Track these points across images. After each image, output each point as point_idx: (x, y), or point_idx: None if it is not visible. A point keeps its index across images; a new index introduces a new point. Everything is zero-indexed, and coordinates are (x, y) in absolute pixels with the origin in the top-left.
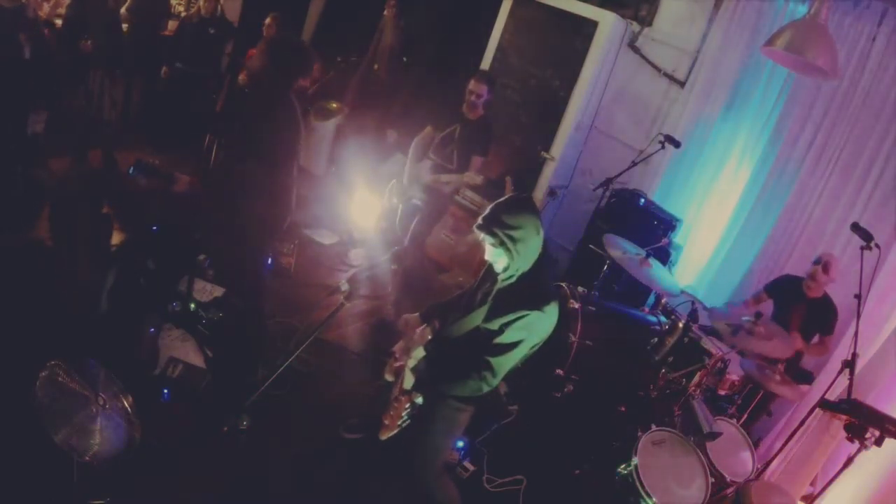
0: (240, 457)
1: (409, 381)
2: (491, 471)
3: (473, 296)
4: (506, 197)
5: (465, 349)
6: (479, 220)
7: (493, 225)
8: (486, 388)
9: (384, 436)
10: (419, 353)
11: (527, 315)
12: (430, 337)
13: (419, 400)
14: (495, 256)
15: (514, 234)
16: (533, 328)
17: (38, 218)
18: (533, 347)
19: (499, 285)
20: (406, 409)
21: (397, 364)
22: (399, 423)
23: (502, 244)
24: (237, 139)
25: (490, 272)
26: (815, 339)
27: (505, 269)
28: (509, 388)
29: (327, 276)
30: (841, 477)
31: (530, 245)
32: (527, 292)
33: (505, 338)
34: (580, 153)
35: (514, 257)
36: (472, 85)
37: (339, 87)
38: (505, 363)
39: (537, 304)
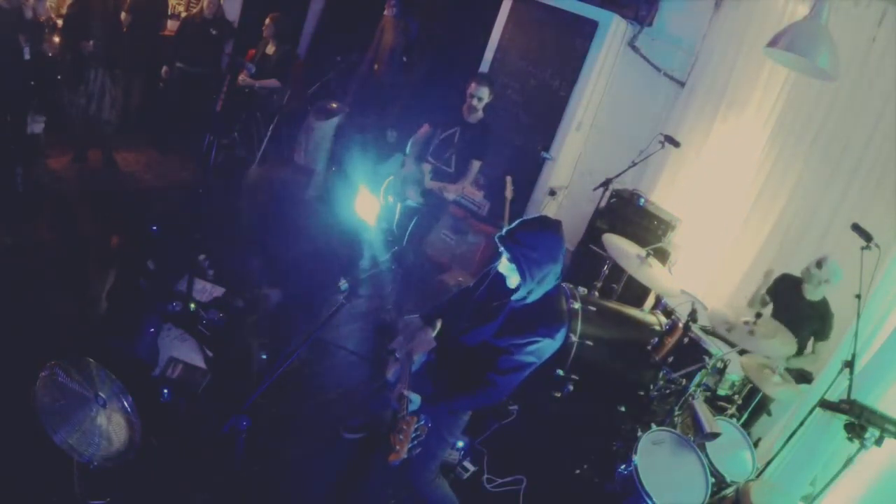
0: (240, 457)
1: (416, 399)
2: (491, 471)
3: (483, 307)
4: (536, 216)
5: (471, 362)
6: (503, 232)
7: (512, 240)
8: (488, 404)
9: (395, 459)
10: (420, 358)
11: (539, 341)
12: (433, 343)
13: (424, 421)
14: (509, 271)
15: (531, 254)
16: (542, 354)
17: (38, 218)
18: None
19: (512, 304)
20: (414, 431)
21: (397, 366)
22: (410, 446)
23: (516, 261)
24: None
25: (501, 284)
26: (809, 346)
27: (517, 289)
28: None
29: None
30: (841, 477)
31: (545, 269)
32: (541, 317)
33: (512, 359)
34: (580, 153)
35: (526, 278)
36: (472, 88)
37: (339, 87)
38: (509, 383)
39: (550, 332)
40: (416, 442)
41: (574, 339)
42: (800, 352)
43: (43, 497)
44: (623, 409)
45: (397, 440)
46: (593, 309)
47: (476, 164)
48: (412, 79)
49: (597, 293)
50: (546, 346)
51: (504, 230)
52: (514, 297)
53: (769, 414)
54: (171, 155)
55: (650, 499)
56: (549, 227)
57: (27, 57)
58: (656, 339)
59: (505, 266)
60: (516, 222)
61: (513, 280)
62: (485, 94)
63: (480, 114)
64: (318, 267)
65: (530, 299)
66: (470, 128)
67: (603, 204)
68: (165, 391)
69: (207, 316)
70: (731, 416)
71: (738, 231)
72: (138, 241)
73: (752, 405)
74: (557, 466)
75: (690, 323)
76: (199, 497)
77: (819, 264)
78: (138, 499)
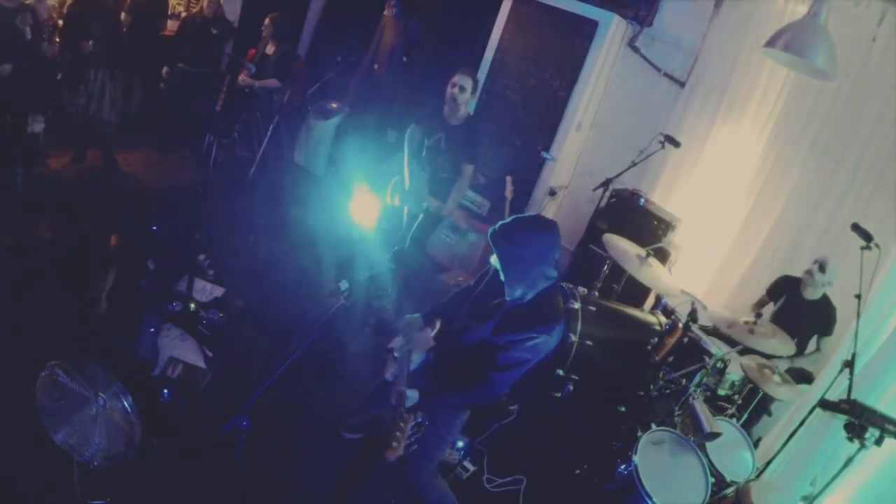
0: (240, 457)
1: (413, 396)
2: (491, 471)
3: (481, 305)
4: (531, 215)
5: (468, 361)
6: (496, 226)
7: (499, 237)
8: (485, 401)
9: (392, 455)
10: (419, 357)
11: (535, 338)
12: (432, 342)
13: (422, 418)
14: (498, 265)
15: (517, 251)
16: (538, 351)
17: (38, 218)
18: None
19: (509, 302)
20: (411, 428)
21: (396, 366)
22: (406, 443)
23: (501, 259)
24: None
25: (500, 282)
26: (812, 343)
27: (507, 287)
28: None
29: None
30: (841, 477)
31: (530, 268)
32: (538, 315)
33: (509, 356)
34: (580, 153)
35: (510, 275)
36: (455, 78)
37: (339, 87)
38: (506, 380)
39: (547, 330)
40: (412, 439)
41: (574, 339)
42: (800, 351)
43: (43, 497)
44: (623, 409)
45: (394, 437)
46: (593, 309)
47: (468, 169)
48: (412, 79)
49: (597, 293)
50: (542, 344)
51: (497, 225)
52: (507, 298)
53: (769, 414)
54: (171, 155)
55: (650, 499)
56: (541, 227)
57: (28, 37)
58: (656, 339)
59: (496, 260)
60: (510, 219)
61: (502, 274)
62: (468, 84)
63: (463, 112)
64: (318, 268)
65: (526, 298)
66: (453, 130)
67: (603, 204)
68: (165, 391)
69: (207, 316)
70: (731, 416)
71: (738, 231)
72: (138, 241)
73: (752, 405)
74: (557, 466)
75: (690, 323)
76: (199, 497)
77: (822, 268)
78: (138, 499)
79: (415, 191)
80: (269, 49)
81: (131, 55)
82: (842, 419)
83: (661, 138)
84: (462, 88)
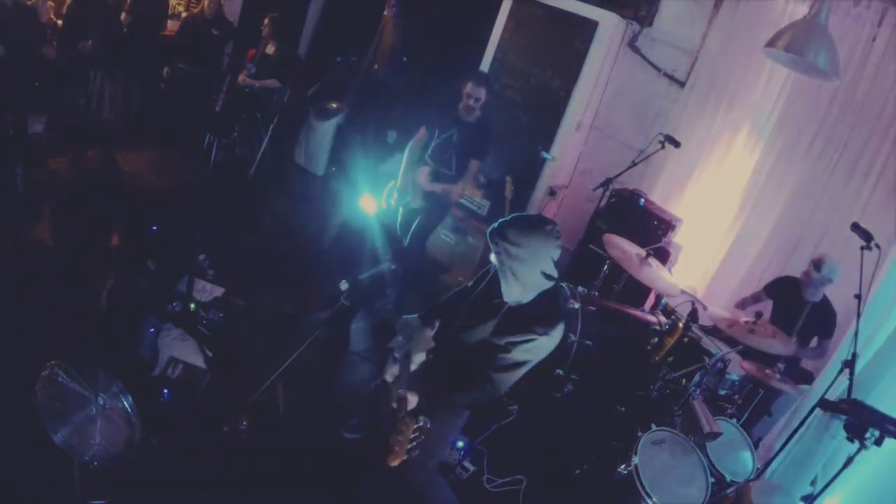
0: (240, 457)
1: (413, 399)
2: (491, 471)
3: (481, 305)
4: (531, 214)
5: (469, 361)
6: (495, 224)
7: (497, 235)
8: (486, 401)
9: (394, 462)
10: (420, 357)
11: (536, 339)
12: (432, 342)
13: (423, 422)
14: (496, 264)
15: (512, 250)
16: (539, 351)
17: (38, 218)
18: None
19: (510, 303)
20: (413, 432)
21: (396, 366)
22: (409, 448)
23: (498, 256)
24: None
25: (498, 282)
26: (814, 342)
27: (504, 286)
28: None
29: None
30: (841, 477)
31: (528, 267)
32: (538, 315)
33: (510, 356)
34: (580, 153)
35: (506, 273)
36: (469, 88)
37: (339, 87)
38: (507, 380)
39: (546, 330)
40: (415, 443)
41: (574, 339)
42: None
43: (43, 497)
44: (623, 409)
45: (396, 441)
46: (593, 309)
47: (474, 164)
48: (412, 79)
49: (597, 293)
50: (542, 344)
51: (497, 223)
52: (504, 298)
53: (769, 414)
54: (172, 155)
55: (650, 499)
56: (539, 227)
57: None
58: (656, 339)
59: (494, 259)
60: (510, 217)
61: (500, 274)
62: (482, 94)
63: (478, 112)
64: (318, 267)
65: (525, 299)
66: (467, 127)
67: (603, 204)
68: (165, 391)
69: (207, 316)
70: (731, 416)
71: (738, 231)
72: (138, 241)
73: (752, 405)
74: (557, 466)
75: (690, 323)
76: (199, 497)
77: (818, 267)
78: (138, 499)
79: (415, 187)
80: (269, 49)
81: (131, 55)
82: (842, 419)
83: (661, 138)
84: (477, 99)
